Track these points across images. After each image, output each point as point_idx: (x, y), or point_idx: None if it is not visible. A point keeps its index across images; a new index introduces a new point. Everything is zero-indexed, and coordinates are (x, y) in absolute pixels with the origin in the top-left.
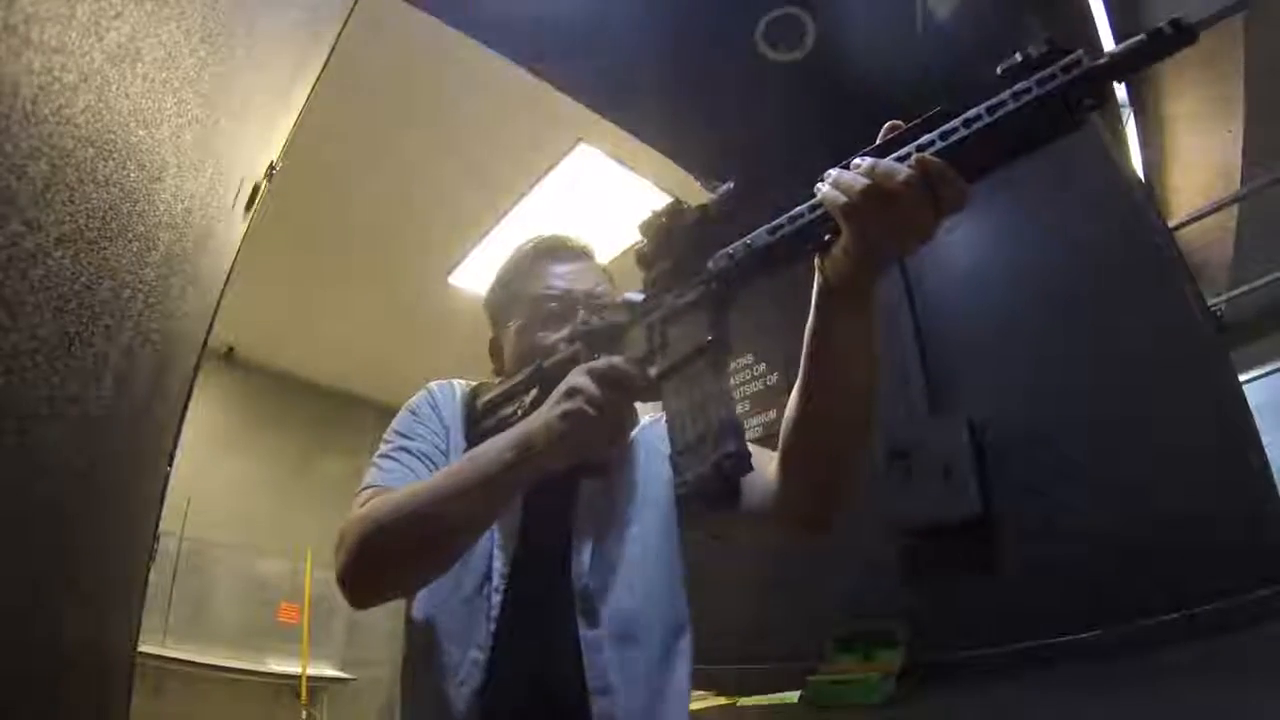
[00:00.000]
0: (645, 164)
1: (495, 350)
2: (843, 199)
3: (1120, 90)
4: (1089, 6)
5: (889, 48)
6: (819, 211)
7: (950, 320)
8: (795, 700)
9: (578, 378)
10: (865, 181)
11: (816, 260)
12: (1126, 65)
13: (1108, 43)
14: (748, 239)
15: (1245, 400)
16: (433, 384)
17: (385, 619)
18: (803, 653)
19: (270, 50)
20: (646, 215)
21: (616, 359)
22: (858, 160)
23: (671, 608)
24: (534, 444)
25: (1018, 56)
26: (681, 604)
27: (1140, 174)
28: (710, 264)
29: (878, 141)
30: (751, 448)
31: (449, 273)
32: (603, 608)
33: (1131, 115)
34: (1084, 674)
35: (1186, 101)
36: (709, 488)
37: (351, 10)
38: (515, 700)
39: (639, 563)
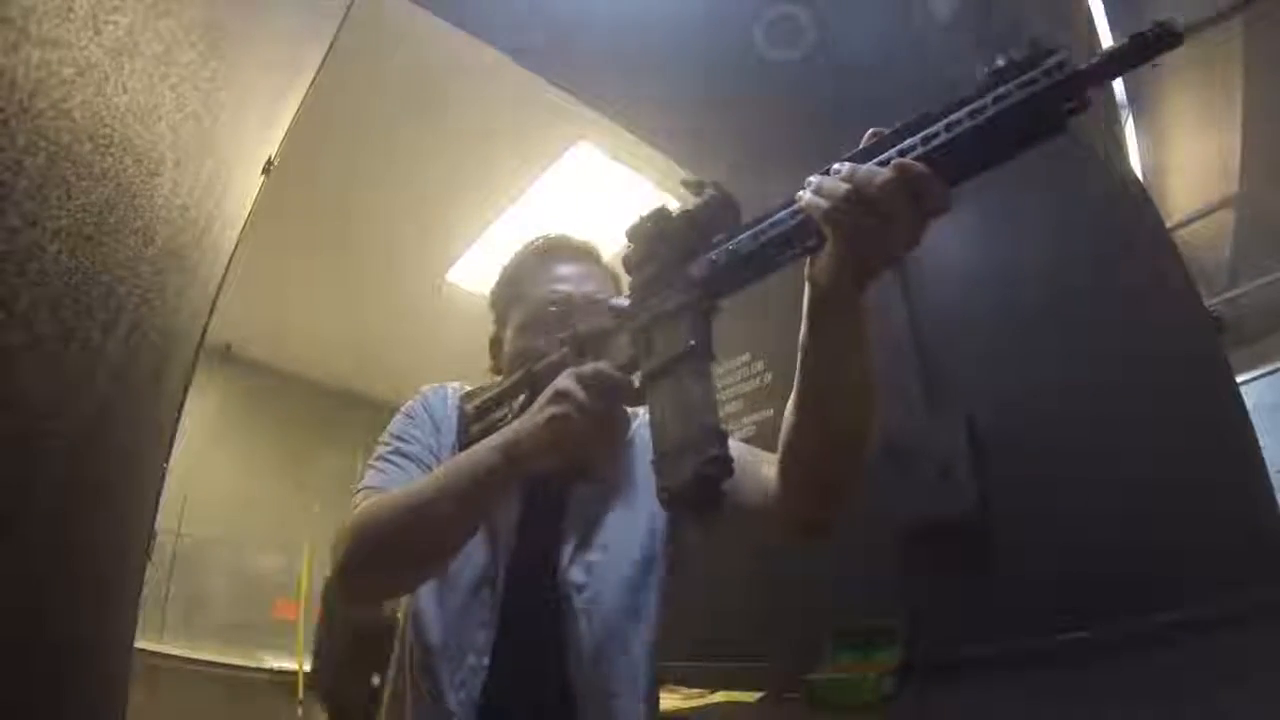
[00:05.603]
0: (645, 162)
1: (495, 347)
2: (824, 204)
3: (1119, 90)
4: (1089, 6)
5: (888, 47)
6: (800, 218)
7: (948, 319)
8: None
9: (564, 381)
10: (846, 186)
11: (806, 267)
12: (1110, 69)
13: (1107, 42)
14: (730, 244)
15: (1243, 401)
16: (426, 388)
17: None
18: (800, 650)
19: (269, 46)
20: (633, 221)
21: (603, 364)
22: (838, 166)
23: (646, 606)
24: (519, 447)
25: (1000, 60)
26: (653, 604)
27: (1139, 174)
28: (693, 269)
29: (860, 146)
30: (749, 450)
31: (447, 270)
32: (581, 611)
33: (1130, 115)
34: (1083, 672)
35: (1186, 102)
36: (689, 494)
37: (350, 7)
38: (513, 706)
39: (616, 564)
